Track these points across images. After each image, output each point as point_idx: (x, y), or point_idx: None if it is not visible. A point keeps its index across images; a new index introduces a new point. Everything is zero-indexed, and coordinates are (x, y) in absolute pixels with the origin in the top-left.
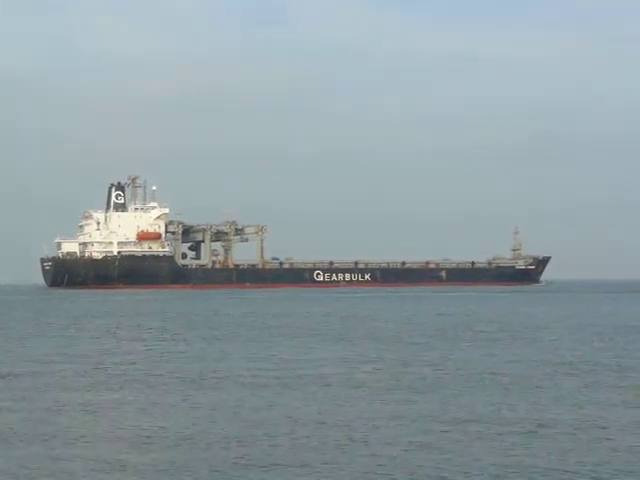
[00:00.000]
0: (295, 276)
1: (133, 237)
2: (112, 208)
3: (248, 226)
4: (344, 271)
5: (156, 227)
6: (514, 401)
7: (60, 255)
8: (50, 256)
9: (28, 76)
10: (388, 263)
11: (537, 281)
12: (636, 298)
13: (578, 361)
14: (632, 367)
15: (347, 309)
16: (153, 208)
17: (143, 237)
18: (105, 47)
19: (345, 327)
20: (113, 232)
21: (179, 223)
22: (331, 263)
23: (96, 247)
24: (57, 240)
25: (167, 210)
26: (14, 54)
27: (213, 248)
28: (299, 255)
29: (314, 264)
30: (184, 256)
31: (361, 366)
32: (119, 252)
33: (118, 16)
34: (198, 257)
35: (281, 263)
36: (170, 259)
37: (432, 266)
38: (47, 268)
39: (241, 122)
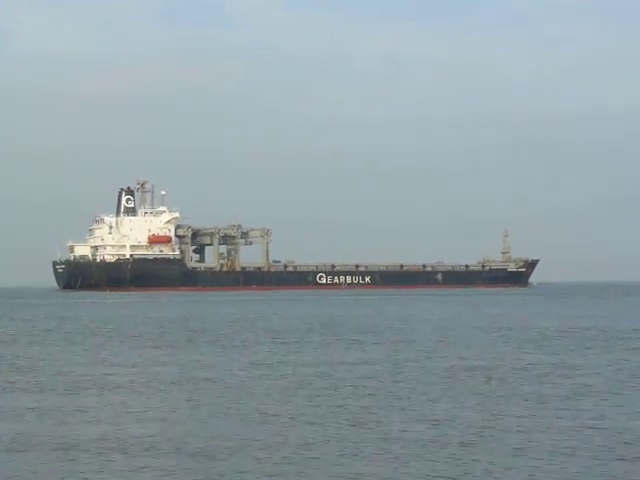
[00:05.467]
0: (299, 278)
1: (144, 241)
2: (122, 212)
3: (253, 230)
4: (345, 273)
5: (166, 231)
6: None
7: (73, 258)
8: (63, 259)
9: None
10: (387, 266)
11: (526, 283)
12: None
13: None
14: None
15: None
16: (163, 212)
17: (154, 240)
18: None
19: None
20: (125, 236)
21: (188, 227)
22: (333, 266)
23: (109, 250)
24: (70, 243)
25: (177, 214)
26: None
27: (220, 251)
28: (300, 258)
29: (317, 267)
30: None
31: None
32: (131, 255)
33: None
34: (202, 260)
35: (285, 266)
36: (180, 262)
37: (429, 269)
38: (60, 271)
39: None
